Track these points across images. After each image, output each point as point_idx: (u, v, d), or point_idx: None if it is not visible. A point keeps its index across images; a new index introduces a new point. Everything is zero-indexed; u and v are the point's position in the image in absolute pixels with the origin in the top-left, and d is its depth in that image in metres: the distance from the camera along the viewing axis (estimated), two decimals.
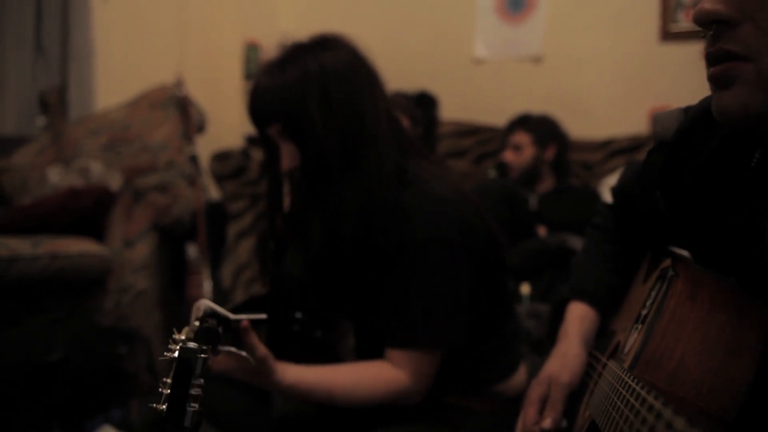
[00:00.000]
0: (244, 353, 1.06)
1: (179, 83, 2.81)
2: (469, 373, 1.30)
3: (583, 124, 3.19)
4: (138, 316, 2.30)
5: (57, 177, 2.49)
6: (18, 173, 2.58)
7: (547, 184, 2.92)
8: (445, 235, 1.18)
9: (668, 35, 3.13)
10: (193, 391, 0.80)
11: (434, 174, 1.26)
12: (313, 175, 1.22)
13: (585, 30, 3.37)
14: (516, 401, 1.11)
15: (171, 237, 2.50)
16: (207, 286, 2.50)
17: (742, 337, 0.68)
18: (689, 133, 0.81)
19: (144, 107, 2.81)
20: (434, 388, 1.23)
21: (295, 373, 1.14)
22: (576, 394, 1.01)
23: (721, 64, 0.64)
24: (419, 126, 2.71)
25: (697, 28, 0.67)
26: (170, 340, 0.85)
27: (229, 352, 1.05)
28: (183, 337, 0.85)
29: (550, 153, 2.91)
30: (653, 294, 0.83)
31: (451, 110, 3.37)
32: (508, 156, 2.92)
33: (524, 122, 2.95)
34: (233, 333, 1.05)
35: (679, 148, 0.82)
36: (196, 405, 0.79)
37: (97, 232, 2.33)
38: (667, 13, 3.14)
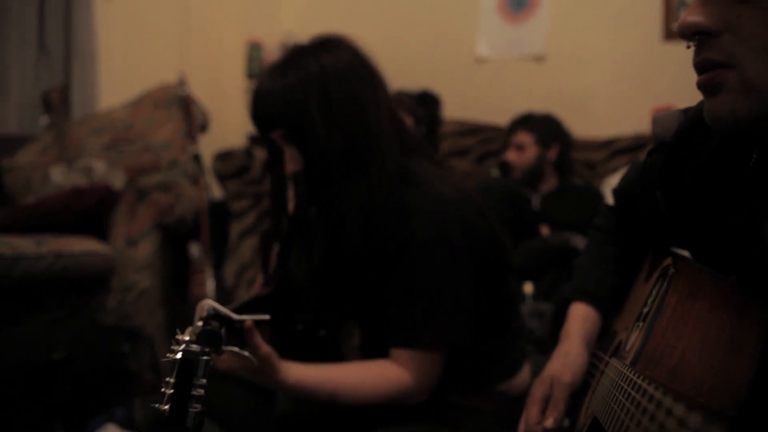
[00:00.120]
0: (246, 353, 1.06)
1: (182, 82, 2.81)
2: (472, 373, 1.30)
3: (586, 124, 3.19)
4: (141, 315, 2.31)
5: (60, 176, 2.49)
6: (21, 172, 2.58)
7: (549, 183, 2.92)
8: (447, 235, 1.18)
9: (671, 34, 3.12)
10: (195, 392, 0.80)
11: (437, 174, 1.26)
12: (317, 179, 1.22)
13: (587, 29, 3.37)
14: (520, 401, 1.11)
15: (174, 236, 2.51)
16: (210, 284, 2.50)
17: (743, 335, 0.69)
18: (689, 134, 0.82)
19: (147, 106, 2.82)
20: (438, 387, 1.24)
21: (299, 372, 1.15)
22: (578, 394, 1.01)
23: (707, 73, 0.67)
24: (422, 125, 2.71)
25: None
26: (173, 341, 0.85)
27: (233, 352, 1.05)
28: (186, 338, 0.85)
29: (552, 153, 2.91)
30: (654, 292, 0.83)
31: (453, 109, 3.37)
32: (511, 155, 2.91)
33: (527, 122, 2.94)
34: (237, 332, 1.06)
35: (679, 148, 0.83)
36: (198, 406, 0.80)
37: (101, 231, 2.34)
38: (670, 12, 3.14)
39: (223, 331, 0.98)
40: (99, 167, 2.53)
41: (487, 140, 3.33)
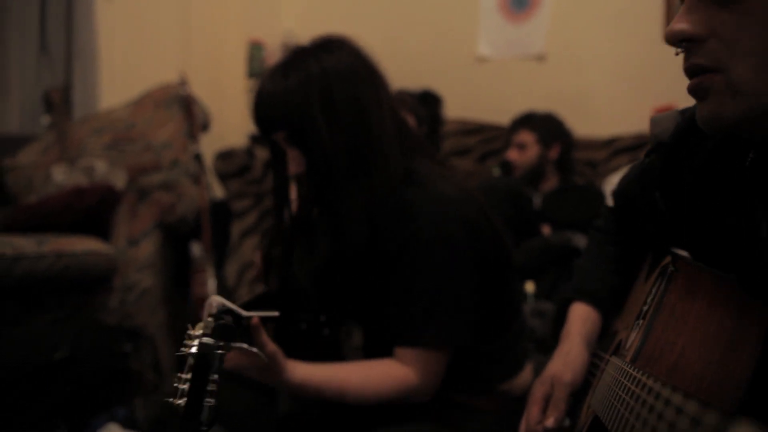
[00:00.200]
0: (255, 350, 1.06)
1: (183, 82, 2.81)
2: (475, 372, 1.30)
3: (587, 123, 3.19)
4: (142, 314, 2.31)
5: (62, 176, 2.49)
6: (23, 172, 2.58)
7: (551, 182, 2.92)
8: (449, 234, 1.18)
9: None
10: (210, 387, 0.81)
11: (439, 173, 1.26)
12: (320, 179, 1.22)
13: (588, 28, 3.37)
14: (522, 400, 1.11)
15: (175, 235, 2.51)
16: (211, 284, 2.50)
17: (742, 332, 0.69)
18: (686, 134, 0.83)
19: (148, 106, 2.82)
20: (440, 387, 1.24)
21: (304, 371, 1.15)
22: (579, 394, 1.02)
23: (696, 78, 0.70)
24: (424, 125, 2.71)
25: None
26: (185, 336, 0.85)
27: (241, 349, 1.05)
28: (199, 333, 0.86)
29: (554, 152, 2.90)
30: (654, 290, 0.83)
31: (454, 109, 3.37)
32: (513, 155, 2.91)
33: (528, 121, 2.94)
34: (244, 330, 1.06)
35: (677, 149, 0.84)
36: (212, 400, 0.80)
37: (102, 231, 2.34)
38: (670, 11, 3.13)
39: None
40: (100, 167, 2.53)
41: (489, 139, 3.33)
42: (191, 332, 0.86)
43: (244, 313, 1.02)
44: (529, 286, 2.37)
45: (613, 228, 1.15)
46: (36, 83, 3.00)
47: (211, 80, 3.53)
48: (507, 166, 2.92)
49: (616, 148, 3.12)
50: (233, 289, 2.79)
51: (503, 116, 3.13)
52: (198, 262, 2.51)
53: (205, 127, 2.93)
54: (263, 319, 1.07)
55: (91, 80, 3.07)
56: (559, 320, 1.13)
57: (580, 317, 1.09)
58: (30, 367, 1.82)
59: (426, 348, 1.20)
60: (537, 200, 2.82)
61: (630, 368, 0.71)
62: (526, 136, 2.90)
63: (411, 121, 2.43)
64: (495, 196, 2.38)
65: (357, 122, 1.20)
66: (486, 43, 3.58)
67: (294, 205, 1.32)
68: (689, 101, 0.87)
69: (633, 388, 0.64)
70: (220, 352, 0.83)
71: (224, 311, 0.98)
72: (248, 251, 2.89)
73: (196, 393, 0.80)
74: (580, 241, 2.40)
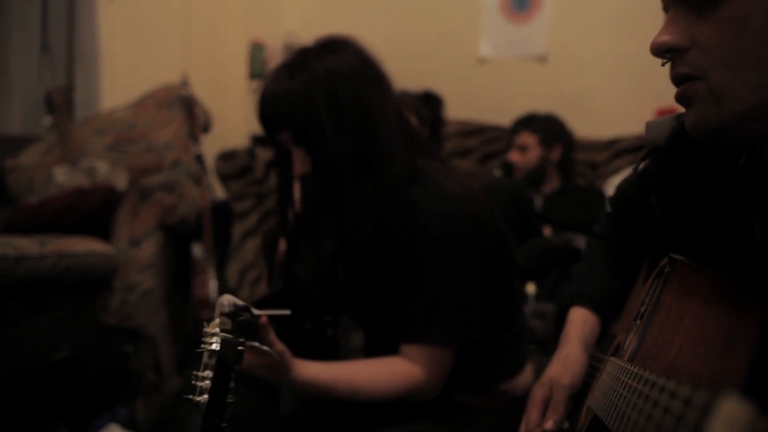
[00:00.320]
0: (266, 348, 1.06)
1: (184, 83, 2.82)
2: (476, 372, 1.30)
3: (589, 124, 3.19)
4: (144, 315, 2.31)
5: (63, 176, 2.50)
6: (24, 173, 2.59)
7: (552, 184, 2.92)
8: (457, 230, 1.18)
9: None
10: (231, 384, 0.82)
11: (444, 172, 1.27)
12: (325, 180, 1.23)
13: (590, 29, 3.37)
14: (522, 400, 1.11)
15: (177, 236, 2.51)
16: (213, 285, 2.50)
17: (739, 330, 0.70)
18: (681, 139, 0.84)
19: (149, 107, 2.82)
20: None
21: (312, 370, 1.15)
22: (578, 397, 1.02)
23: (681, 86, 0.72)
24: (426, 125, 2.71)
25: None
26: (203, 334, 0.86)
27: (253, 348, 1.05)
28: (216, 330, 0.86)
29: (555, 153, 2.91)
30: (651, 291, 0.84)
31: (455, 109, 3.37)
32: (514, 156, 2.91)
33: (530, 122, 2.94)
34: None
35: (672, 153, 0.86)
36: (232, 397, 0.81)
37: (104, 232, 2.34)
38: None
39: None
40: (102, 167, 2.53)
41: (490, 141, 3.33)
42: (208, 329, 0.87)
43: (256, 311, 1.03)
44: (530, 288, 2.38)
45: (612, 233, 1.16)
46: (37, 84, 3.00)
47: (213, 81, 3.53)
48: (508, 168, 2.92)
49: (617, 149, 3.12)
50: (235, 291, 2.79)
51: (504, 117, 3.13)
52: (199, 263, 2.51)
53: (206, 127, 2.94)
54: (268, 319, 1.07)
55: (93, 81, 3.07)
56: (560, 323, 1.14)
57: (579, 321, 1.10)
58: (31, 368, 1.82)
59: (433, 345, 1.20)
60: (538, 201, 2.83)
61: (628, 365, 0.71)
62: (528, 138, 2.90)
63: (414, 121, 2.43)
64: (496, 197, 2.38)
65: (362, 122, 1.21)
66: (487, 44, 3.58)
67: (297, 206, 1.32)
68: None
69: (631, 382, 0.65)
70: (240, 348, 0.83)
71: (243, 308, 0.98)
72: (249, 252, 2.89)
73: (219, 390, 0.80)
74: (581, 242, 2.41)
